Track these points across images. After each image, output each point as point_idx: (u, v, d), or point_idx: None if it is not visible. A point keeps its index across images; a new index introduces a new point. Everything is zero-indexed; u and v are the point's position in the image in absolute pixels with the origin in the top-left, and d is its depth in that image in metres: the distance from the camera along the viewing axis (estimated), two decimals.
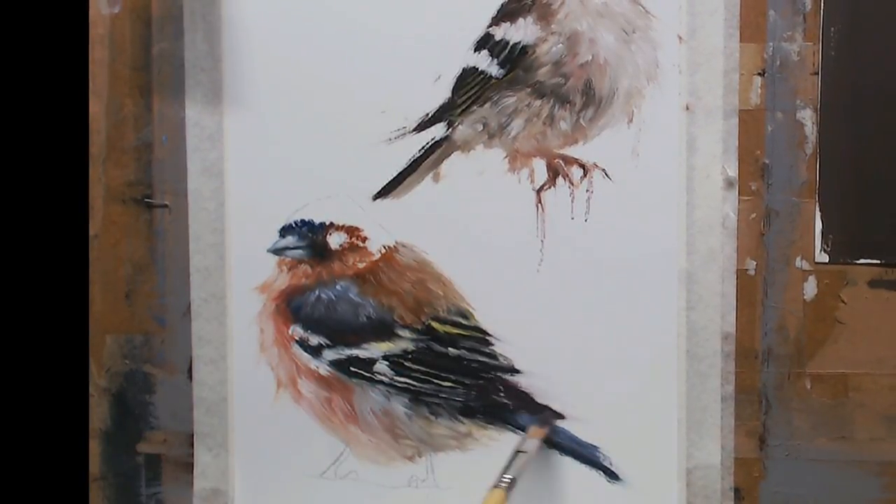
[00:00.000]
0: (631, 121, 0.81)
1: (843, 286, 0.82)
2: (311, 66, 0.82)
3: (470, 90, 0.81)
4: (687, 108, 0.80)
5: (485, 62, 0.81)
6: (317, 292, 0.84)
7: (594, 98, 0.81)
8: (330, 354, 0.84)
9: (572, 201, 0.82)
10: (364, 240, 0.83)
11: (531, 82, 0.81)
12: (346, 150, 0.83)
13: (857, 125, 0.80)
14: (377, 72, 0.82)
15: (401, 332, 0.83)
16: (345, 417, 0.85)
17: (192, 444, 0.86)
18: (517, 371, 0.83)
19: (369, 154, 0.82)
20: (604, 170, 0.81)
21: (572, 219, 0.82)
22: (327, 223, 0.83)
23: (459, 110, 0.82)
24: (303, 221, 0.83)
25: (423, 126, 0.82)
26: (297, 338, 0.84)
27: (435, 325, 0.83)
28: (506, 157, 0.82)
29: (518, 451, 0.79)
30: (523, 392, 0.83)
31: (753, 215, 0.82)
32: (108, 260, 0.86)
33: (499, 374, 0.83)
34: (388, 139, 0.82)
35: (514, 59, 0.81)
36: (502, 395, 0.83)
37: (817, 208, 0.81)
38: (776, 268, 0.82)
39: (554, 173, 0.82)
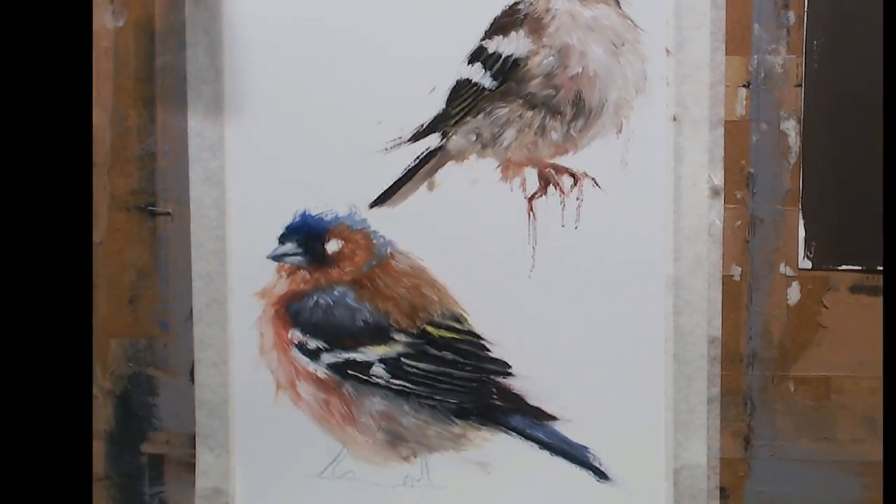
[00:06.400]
0: (620, 131, 0.83)
1: (826, 291, 0.83)
2: (310, 78, 0.84)
3: (463, 101, 0.83)
4: (674, 119, 0.82)
5: (478, 74, 0.83)
6: (315, 297, 0.85)
7: (584, 109, 0.82)
8: (328, 358, 0.85)
9: (563, 209, 0.83)
10: (361, 246, 0.85)
11: (523, 94, 0.82)
12: (343, 160, 0.84)
13: (839, 135, 0.82)
14: (373, 84, 0.83)
15: (396, 336, 0.85)
16: (342, 419, 0.86)
17: (194, 445, 0.87)
18: (510, 374, 0.85)
19: (366, 163, 0.84)
20: (593, 179, 0.83)
21: (563, 226, 0.83)
22: (325, 230, 0.85)
23: (453, 121, 0.83)
24: (301, 228, 0.85)
25: (418, 136, 0.84)
26: (295, 341, 0.85)
27: (430, 329, 0.85)
28: (498, 166, 0.84)
29: None
30: (515, 394, 0.85)
31: (739, 223, 0.83)
32: (112, 266, 0.87)
33: (492, 376, 0.85)
34: (384, 149, 0.84)
35: (507, 71, 0.82)
36: (495, 397, 0.85)
37: (801, 216, 0.83)
38: (761, 274, 0.83)
39: (545, 182, 0.83)
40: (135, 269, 0.87)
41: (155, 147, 0.86)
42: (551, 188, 0.83)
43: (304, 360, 0.85)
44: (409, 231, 0.85)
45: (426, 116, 0.83)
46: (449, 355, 0.85)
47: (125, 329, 0.87)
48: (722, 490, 0.85)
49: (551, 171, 0.83)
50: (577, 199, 0.83)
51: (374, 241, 0.85)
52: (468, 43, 0.82)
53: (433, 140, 0.84)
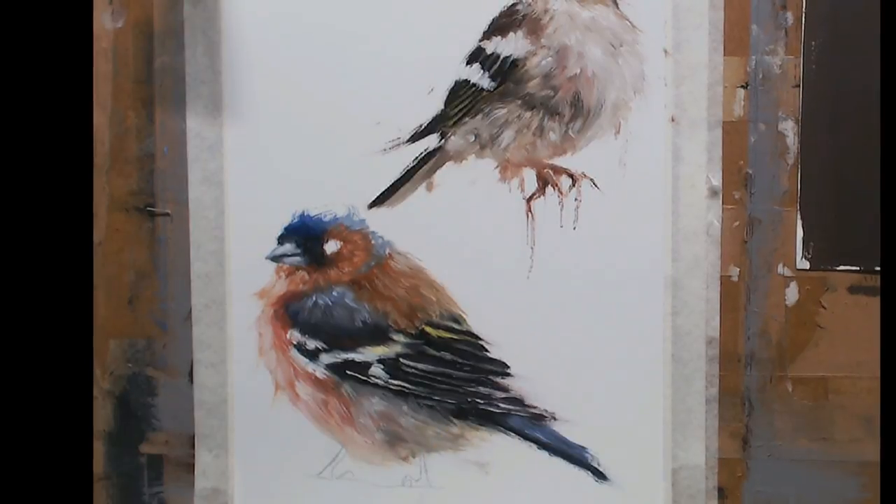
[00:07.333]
0: (618, 132, 0.83)
1: (824, 292, 0.83)
2: (308, 78, 0.84)
3: (462, 102, 0.83)
4: (672, 120, 0.82)
5: (476, 75, 0.83)
6: (314, 298, 0.85)
7: (582, 110, 0.83)
8: (326, 358, 0.85)
9: (561, 210, 0.84)
10: (360, 247, 0.85)
11: (521, 94, 0.83)
12: (342, 160, 0.84)
13: (837, 136, 0.82)
14: (372, 84, 0.83)
15: (395, 337, 0.85)
16: (341, 419, 0.86)
17: (193, 445, 0.87)
18: (508, 374, 0.85)
19: (365, 164, 0.84)
20: (592, 179, 0.83)
21: (561, 227, 0.84)
22: (324, 231, 0.85)
23: (452, 122, 0.83)
24: (300, 229, 0.85)
25: (416, 137, 0.84)
26: (294, 342, 0.86)
27: (428, 329, 0.85)
28: (497, 167, 0.84)
29: None
30: (514, 395, 0.85)
31: (737, 223, 0.83)
32: (111, 266, 0.87)
33: (490, 377, 0.85)
34: (382, 149, 0.84)
35: (505, 72, 0.82)
36: (493, 397, 0.85)
37: (798, 216, 0.83)
38: (759, 274, 0.83)
39: (543, 183, 0.84)
40: (134, 270, 0.87)
41: (154, 148, 0.86)
42: (550, 189, 0.84)
43: (302, 360, 0.86)
44: (407, 232, 0.85)
45: (425, 117, 0.84)
46: (447, 356, 0.85)
47: (124, 329, 0.88)
48: (720, 490, 0.85)
49: (550, 171, 0.83)
50: (576, 199, 0.83)
51: (373, 242, 0.85)
52: (467, 44, 0.83)
53: (432, 141, 0.84)
